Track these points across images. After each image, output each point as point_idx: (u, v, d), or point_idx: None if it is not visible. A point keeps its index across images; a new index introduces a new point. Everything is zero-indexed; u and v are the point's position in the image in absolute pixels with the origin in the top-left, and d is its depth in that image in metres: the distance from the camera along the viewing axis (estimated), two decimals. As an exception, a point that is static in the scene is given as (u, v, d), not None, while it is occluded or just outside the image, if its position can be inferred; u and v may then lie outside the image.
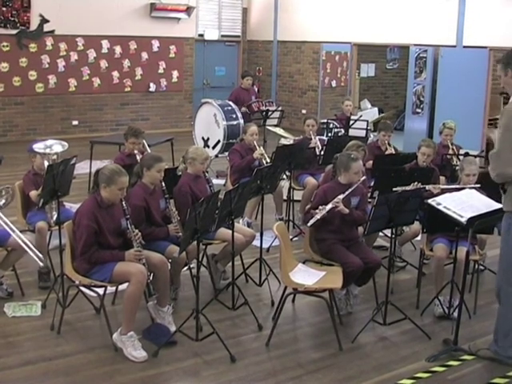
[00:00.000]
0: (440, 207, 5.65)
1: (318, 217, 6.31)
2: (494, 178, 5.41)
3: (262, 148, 9.11)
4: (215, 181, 10.55)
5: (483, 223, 5.65)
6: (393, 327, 6.31)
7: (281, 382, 5.37)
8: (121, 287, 6.06)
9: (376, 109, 18.91)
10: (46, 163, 6.96)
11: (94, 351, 5.72)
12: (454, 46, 14.83)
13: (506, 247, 5.55)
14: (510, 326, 5.62)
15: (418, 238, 7.69)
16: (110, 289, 6.30)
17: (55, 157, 7.16)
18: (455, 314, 6.11)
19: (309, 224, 6.43)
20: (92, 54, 16.78)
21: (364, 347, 6.02)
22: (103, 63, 17.00)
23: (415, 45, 15.63)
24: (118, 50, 17.17)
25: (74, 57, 16.53)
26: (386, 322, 6.31)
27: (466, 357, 5.83)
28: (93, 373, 5.39)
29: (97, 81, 16.97)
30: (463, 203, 5.71)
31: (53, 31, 15.97)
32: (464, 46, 14.66)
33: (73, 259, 5.79)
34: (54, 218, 6.97)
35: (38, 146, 7.16)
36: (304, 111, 18.32)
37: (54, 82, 16.35)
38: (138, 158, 7.59)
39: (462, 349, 5.90)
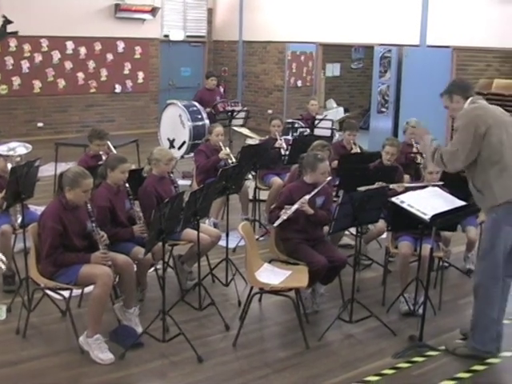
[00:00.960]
0: (404, 205, 5.70)
1: (283, 217, 6.33)
2: (445, 169, 5.85)
3: (227, 148, 9.13)
4: (181, 181, 10.57)
5: (446, 220, 5.72)
6: (359, 325, 6.34)
7: (248, 382, 5.38)
8: (87, 289, 6.02)
9: (341, 108, 18.99)
10: (10, 165, 6.91)
11: (60, 355, 5.69)
12: (418, 46, 14.93)
13: (491, 241, 5.61)
14: (489, 321, 5.70)
15: (384, 236, 7.74)
16: (76, 291, 6.25)
17: (19, 159, 7.12)
18: (420, 311, 6.16)
19: (275, 224, 6.46)
20: (56, 55, 16.66)
21: (330, 345, 6.06)
22: (68, 64, 16.88)
23: (380, 44, 15.71)
24: (82, 51, 17.06)
25: (38, 58, 16.40)
26: (352, 319, 6.35)
27: (430, 352, 5.89)
28: (59, 376, 5.36)
29: (62, 82, 16.86)
30: (426, 201, 5.78)
31: (16, 32, 15.81)
32: (428, 46, 14.77)
33: (38, 262, 5.75)
34: (19, 220, 6.93)
35: (2, 149, 7.12)
36: (270, 111, 18.33)
37: (18, 84, 16.21)
38: (104, 159, 7.56)
39: (428, 345, 5.96)
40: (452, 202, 5.85)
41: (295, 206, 6.33)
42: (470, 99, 5.74)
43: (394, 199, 5.85)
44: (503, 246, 5.55)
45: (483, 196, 5.59)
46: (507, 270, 5.75)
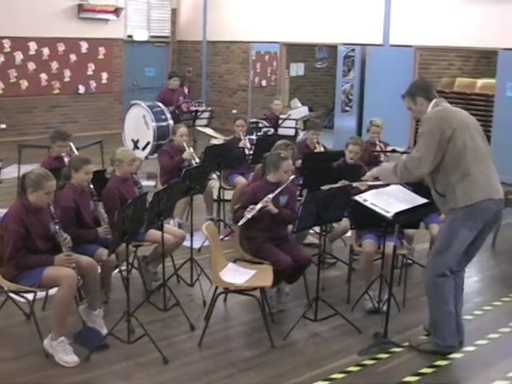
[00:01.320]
0: (366, 203, 5.75)
1: (248, 216, 6.35)
2: (411, 178, 5.86)
3: (191, 148, 9.12)
4: (146, 182, 10.53)
5: (409, 218, 5.78)
6: (324, 323, 6.38)
7: (214, 382, 5.38)
8: (51, 292, 5.97)
9: (306, 107, 19.06)
10: (-28, 168, 6.86)
11: (24, 358, 5.64)
12: (381, 45, 15.05)
13: (446, 240, 5.67)
14: (447, 315, 5.77)
15: (348, 234, 7.77)
16: (40, 294, 6.21)
17: (-20, 161, 7.06)
18: (385, 308, 6.19)
19: (239, 224, 6.47)
20: (19, 55, 16.52)
21: (296, 344, 6.08)
22: (31, 65, 16.75)
23: (343, 44, 15.81)
24: (45, 51, 16.93)
25: (0, 59, 16.24)
26: (318, 318, 6.38)
27: (395, 349, 5.94)
28: (23, 380, 5.32)
29: (25, 83, 16.71)
30: (389, 199, 5.82)
31: (-22, 33, 15.69)
32: (391, 45, 14.89)
33: (0, 265, 5.70)
34: (-19, 223, 6.86)
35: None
36: (234, 111, 18.34)
37: (-20, 86, 16.09)
38: (66, 160, 7.52)
39: (392, 341, 6.01)
40: (414, 200, 5.90)
41: (259, 205, 6.35)
42: (433, 101, 5.77)
43: (356, 197, 5.89)
44: (458, 247, 5.62)
45: (445, 199, 5.64)
46: (461, 264, 5.85)
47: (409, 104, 5.91)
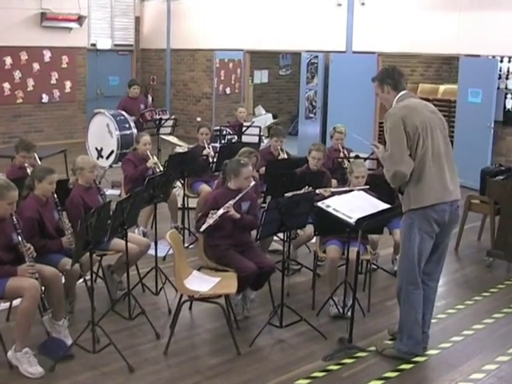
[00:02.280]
0: (329, 209, 5.78)
1: (210, 221, 6.36)
2: (391, 180, 5.61)
3: (155, 157, 9.11)
4: (111, 191, 10.51)
5: (372, 223, 5.81)
6: (289, 329, 6.40)
7: (180, 389, 5.39)
8: (15, 303, 5.93)
9: (270, 115, 19.13)
10: None
11: (-13, 370, 5.60)
12: (344, 52, 15.15)
13: (407, 246, 5.70)
14: (413, 323, 5.81)
15: (313, 240, 7.81)
16: (4, 305, 6.18)
17: None
18: (349, 313, 6.21)
19: (201, 229, 6.49)
20: (-19, 65, 16.40)
21: (261, 350, 6.09)
22: (-7, 74, 16.62)
23: (306, 51, 15.88)
24: (8, 60, 16.77)
25: (-38, 68, 16.12)
26: (283, 324, 6.40)
27: (360, 354, 5.98)
28: (-13, 391, 5.29)
29: (-13, 93, 16.59)
30: (352, 205, 5.86)
31: None
32: (353, 52, 14.99)
33: (-37, 276, 5.65)
34: None
35: None
36: (199, 119, 18.34)
37: None
38: (29, 171, 7.47)
39: (357, 346, 6.05)
40: (377, 206, 5.94)
41: (221, 211, 6.36)
42: (399, 94, 5.72)
43: (319, 204, 5.92)
44: (417, 250, 5.64)
45: (402, 198, 5.69)
46: (430, 274, 5.88)
47: (377, 90, 5.89)
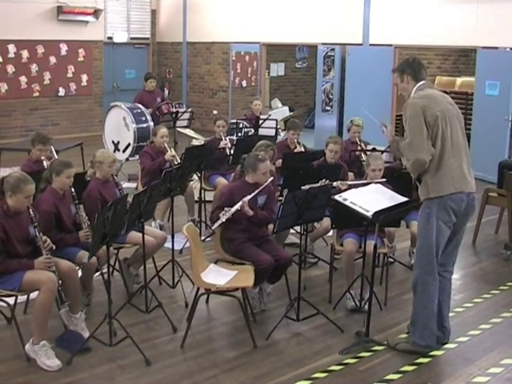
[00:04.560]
0: (346, 202, 5.76)
1: (222, 219, 6.35)
2: (411, 168, 5.63)
3: (172, 150, 9.12)
4: (127, 184, 10.53)
5: (389, 217, 5.78)
6: (306, 322, 6.39)
7: (197, 383, 5.38)
8: (33, 296, 5.96)
9: (287, 108, 19.07)
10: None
11: (6, 362, 5.61)
12: (361, 45, 15.09)
13: (425, 236, 5.68)
14: (429, 315, 5.78)
15: (330, 233, 7.79)
16: (22, 298, 6.19)
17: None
18: (366, 307, 6.21)
19: (213, 227, 6.50)
20: (-2, 58, 16.46)
21: (278, 344, 6.09)
22: (10, 68, 16.64)
23: (323, 44, 15.83)
24: (25, 54, 16.83)
25: (-21, 62, 16.18)
26: (300, 317, 6.39)
27: (377, 347, 5.97)
28: (5, 384, 5.30)
29: (4, 86, 16.60)
30: (369, 198, 5.84)
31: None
32: (370, 44, 14.94)
33: (-20, 269, 5.67)
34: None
35: None
36: (215, 112, 18.33)
37: (-41, 89, 15.99)
38: (45, 164, 7.50)
39: (374, 340, 6.03)
40: (394, 199, 5.92)
41: (234, 208, 6.35)
42: (418, 84, 5.73)
43: (336, 197, 5.91)
44: (435, 239, 5.62)
45: (420, 186, 5.68)
46: (445, 265, 5.85)
47: (396, 80, 5.90)
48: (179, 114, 12.07)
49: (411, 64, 5.81)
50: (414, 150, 5.52)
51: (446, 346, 6.00)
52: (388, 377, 5.49)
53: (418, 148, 5.50)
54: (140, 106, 12.65)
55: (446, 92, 14.39)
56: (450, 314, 6.45)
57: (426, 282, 5.73)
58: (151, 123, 12.25)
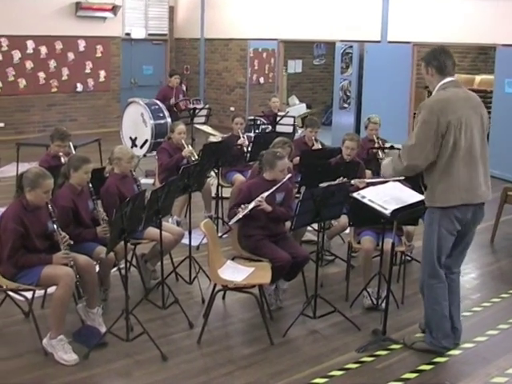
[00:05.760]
0: (365, 200, 5.74)
1: (239, 215, 6.34)
2: (403, 170, 5.58)
3: (190, 146, 9.12)
4: (144, 180, 10.53)
5: (407, 215, 5.76)
6: (323, 320, 6.38)
7: (213, 379, 5.39)
8: (50, 290, 5.98)
9: (304, 104, 19.05)
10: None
11: (23, 356, 5.64)
12: (379, 42, 15.05)
13: (426, 240, 5.66)
14: (440, 317, 5.74)
15: (347, 231, 7.77)
16: (39, 292, 6.22)
17: (-22, 160, 7.04)
18: (383, 305, 6.18)
19: (230, 223, 6.51)
20: (17, 54, 16.45)
21: (295, 341, 6.08)
22: (29, 64, 16.69)
23: (341, 41, 15.80)
24: (43, 50, 16.88)
25: (-2, 58, 16.24)
26: (316, 315, 6.38)
27: (394, 346, 5.94)
28: (23, 378, 5.31)
29: (22, 82, 16.67)
30: (387, 196, 5.81)
31: (-24, 32, 15.64)
32: (388, 42, 14.89)
33: (-1, 264, 5.70)
34: (-21, 222, 6.84)
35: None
36: (232, 108, 18.34)
37: (-22, 84, 16.05)
38: (63, 160, 7.52)
39: (391, 338, 6.01)
40: (412, 197, 5.88)
41: (252, 205, 6.34)
42: (443, 81, 5.54)
43: (355, 194, 5.89)
44: (437, 245, 5.56)
45: (427, 193, 5.60)
46: (451, 267, 5.81)
47: (422, 70, 5.73)
48: (197, 111, 12.08)
49: (437, 56, 5.56)
50: (411, 155, 5.43)
51: (464, 345, 5.96)
52: (405, 375, 5.47)
53: (415, 156, 5.41)
54: (158, 102, 12.68)
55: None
56: (468, 314, 6.44)
57: (431, 285, 5.70)
58: (169, 119, 12.29)
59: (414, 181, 6.48)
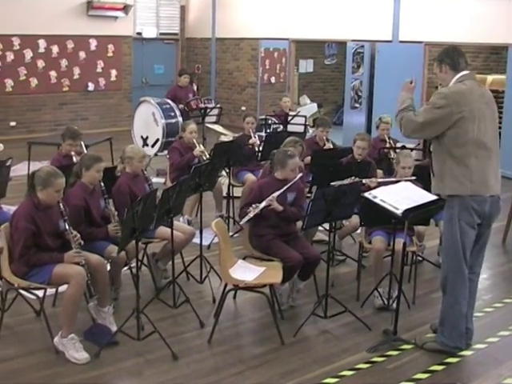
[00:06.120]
0: (376, 200, 5.72)
1: (250, 215, 6.34)
2: (402, 130, 5.83)
3: (201, 146, 9.13)
4: (156, 179, 10.54)
5: (418, 215, 5.74)
6: (334, 320, 6.37)
7: (224, 379, 5.39)
8: (61, 289, 5.98)
9: (315, 104, 19.03)
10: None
11: (34, 355, 5.65)
12: (390, 41, 15.01)
13: (449, 236, 5.64)
14: (458, 316, 5.72)
15: (358, 231, 7.74)
16: (50, 291, 6.24)
17: (-10, 159, 7.06)
18: (394, 305, 6.17)
19: (241, 222, 6.50)
20: (29, 53, 16.50)
21: (305, 341, 6.08)
22: (40, 63, 16.74)
23: (352, 40, 15.77)
24: (55, 49, 16.93)
25: (10, 57, 16.23)
26: (327, 315, 6.37)
27: (405, 346, 5.93)
28: (34, 376, 5.33)
29: (34, 81, 16.72)
30: (399, 196, 5.79)
31: (-13, 31, 15.68)
32: (400, 41, 14.86)
33: (11, 262, 5.71)
34: (-9, 220, 6.87)
35: (-28, 149, 7.06)
36: (243, 108, 18.33)
37: (-11, 83, 16.09)
38: (75, 159, 7.53)
39: (402, 339, 6.00)
40: (424, 197, 5.86)
41: (263, 204, 6.34)
42: (460, 74, 5.62)
43: (366, 194, 5.87)
44: (460, 240, 5.56)
45: (435, 180, 5.65)
46: (472, 267, 5.79)
47: (436, 69, 5.82)
48: (208, 110, 12.09)
49: (450, 53, 5.69)
50: (414, 129, 5.67)
51: (476, 346, 5.95)
52: (416, 376, 5.45)
53: (417, 133, 5.79)
54: (169, 101, 12.72)
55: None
56: (479, 314, 6.42)
57: (454, 282, 5.68)
58: (180, 119, 12.31)
59: (426, 181, 6.47)
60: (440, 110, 5.46)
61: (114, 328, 5.96)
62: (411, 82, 6.09)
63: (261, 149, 9.26)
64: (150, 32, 18.97)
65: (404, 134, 5.83)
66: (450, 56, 5.67)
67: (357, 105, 15.83)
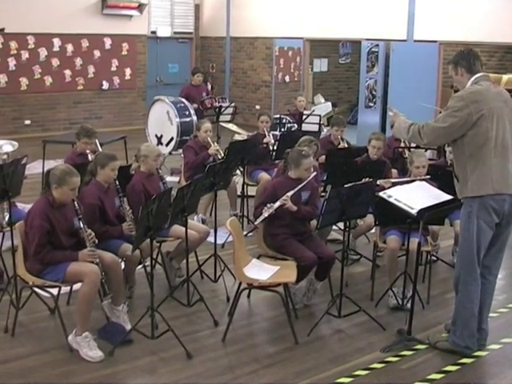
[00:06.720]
0: (391, 199, 5.71)
1: (265, 215, 6.34)
2: (418, 143, 5.98)
3: (216, 144, 9.13)
4: (170, 178, 10.55)
5: (433, 214, 5.72)
6: (348, 319, 6.36)
7: (237, 377, 5.39)
8: (76, 287, 5.99)
9: (329, 103, 18.98)
10: (-3, 164, 6.88)
11: (48, 352, 5.67)
12: (405, 41, 14.97)
13: (466, 235, 5.61)
14: (469, 315, 5.70)
15: (373, 230, 7.73)
16: (65, 289, 6.25)
17: (5, 157, 7.09)
18: (409, 305, 6.15)
19: (256, 222, 6.49)
20: (43, 52, 16.57)
21: (319, 340, 6.07)
22: (55, 61, 16.80)
23: (367, 39, 15.74)
24: (69, 48, 16.98)
25: (25, 55, 16.30)
26: (341, 314, 6.36)
27: (419, 346, 5.91)
28: (48, 374, 5.34)
29: (49, 79, 16.78)
30: (413, 195, 5.77)
31: (3, 29, 15.67)
32: (415, 41, 14.80)
33: (25, 260, 5.73)
34: (6, 218, 6.90)
35: (-12, 147, 7.08)
36: (258, 107, 18.33)
37: (4, 82, 16.11)
38: (90, 157, 7.54)
39: (416, 339, 5.97)
40: (439, 196, 5.84)
41: (277, 204, 6.34)
42: (475, 77, 5.61)
43: (381, 194, 5.85)
44: (476, 240, 5.53)
45: (458, 183, 5.62)
46: (490, 268, 5.76)
47: (451, 72, 5.80)
48: (222, 109, 12.09)
49: (466, 56, 5.68)
50: (437, 136, 5.63)
51: (491, 346, 5.92)
52: (430, 376, 5.44)
53: (441, 138, 5.74)
54: (184, 100, 12.72)
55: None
56: (494, 315, 6.39)
57: (466, 281, 5.65)
58: (194, 117, 12.31)
59: (440, 180, 6.45)
60: (459, 112, 5.44)
61: (128, 326, 5.97)
62: (391, 110, 6.26)
63: (275, 148, 9.24)
64: (164, 31, 19.00)
65: (425, 144, 5.87)
66: (466, 58, 5.66)
67: (371, 104, 15.80)
